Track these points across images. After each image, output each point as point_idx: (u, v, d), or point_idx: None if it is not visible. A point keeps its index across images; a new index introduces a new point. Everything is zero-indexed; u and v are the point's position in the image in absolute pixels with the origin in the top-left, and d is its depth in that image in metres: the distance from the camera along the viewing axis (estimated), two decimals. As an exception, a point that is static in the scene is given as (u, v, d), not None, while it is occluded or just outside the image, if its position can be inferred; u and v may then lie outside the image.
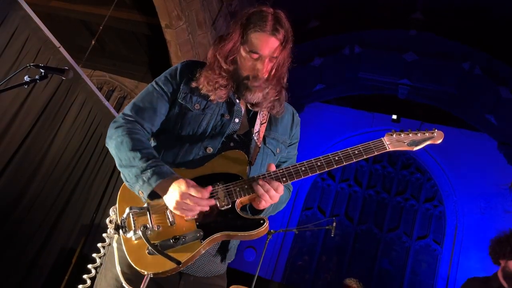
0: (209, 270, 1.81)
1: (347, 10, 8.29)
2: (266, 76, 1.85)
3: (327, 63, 8.95)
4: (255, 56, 1.81)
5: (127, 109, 1.87)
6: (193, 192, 1.59)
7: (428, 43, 8.34)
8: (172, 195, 1.59)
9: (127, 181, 1.71)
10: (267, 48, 1.80)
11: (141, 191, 1.65)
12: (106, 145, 1.81)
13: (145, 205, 1.69)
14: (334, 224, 5.41)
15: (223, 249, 1.84)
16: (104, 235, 1.76)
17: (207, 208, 1.63)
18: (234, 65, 1.86)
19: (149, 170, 1.64)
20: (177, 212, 1.63)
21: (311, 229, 9.33)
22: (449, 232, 9.53)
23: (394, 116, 10.47)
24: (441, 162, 10.06)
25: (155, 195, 1.65)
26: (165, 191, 1.62)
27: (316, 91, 9.58)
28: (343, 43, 8.78)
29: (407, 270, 9.59)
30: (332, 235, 5.57)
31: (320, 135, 10.47)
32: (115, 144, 1.74)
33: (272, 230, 5.46)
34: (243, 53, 1.83)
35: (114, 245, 1.72)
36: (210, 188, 1.66)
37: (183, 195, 1.58)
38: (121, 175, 1.75)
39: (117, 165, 1.75)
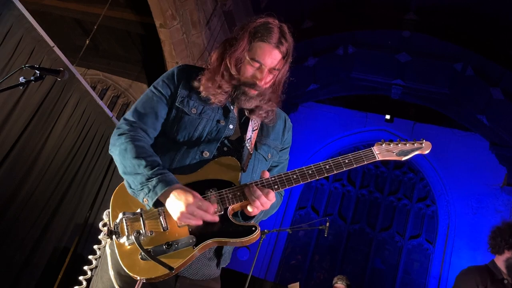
0: (205, 273, 1.83)
1: (341, 10, 8.32)
2: (264, 86, 1.89)
3: (321, 63, 8.99)
4: (257, 65, 1.85)
5: (129, 115, 1.89)
6: (200, 206, 1.62)
7: (421, 44, 8.39)
8: (178, 205, 1.61)
9: (131, 188, 1.71)
10: (270, 59, 1.85)
11: (146, 199, 1.66)
12: (110, 152, 1.82)
13: (138, 210, 1.70)
14: (327, 223, 5.44)
15: (218, 253, 1.87)
16: (100, 237, 1.77)
17: (210, 220, 1.66)
18: (239, 72, 1.89)
19: (154, 178, 1.65)
20: (180, 222, 1.66)
21: (304, 228, 9.38)
22: (441, 231, 9.61)
23: (388, 116, 10.52)
24: (434, 162, 10.13)
25: (159, 204, 1.67)
26: (170, 199, 1.63)
27: (310, 91, 9.62)
28: (337, 43, 8.81)
29: (399, 269, 9.65)
30: (325, 235, 5.60)
31: (313, 135, 10.51)
32: (119, 151, 1.76)
33: (265, 230, 5.49)
34: (247, 60, 1.86)
35: (108, 250, 1.74)
36: (215, 205, 1.69)
37: (190, 207, 1.60)
38: (125, 182, 1.76)
39: (120, 172, 1.76)
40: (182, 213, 1.61)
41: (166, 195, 1.64)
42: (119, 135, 1.80)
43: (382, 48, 8.67)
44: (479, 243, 8.74)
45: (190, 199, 1.61)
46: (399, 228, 10.14)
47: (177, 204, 1.61)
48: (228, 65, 1.88)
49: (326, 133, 10.78)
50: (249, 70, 1.87)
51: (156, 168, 1.68)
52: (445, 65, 8.39)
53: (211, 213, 1.64)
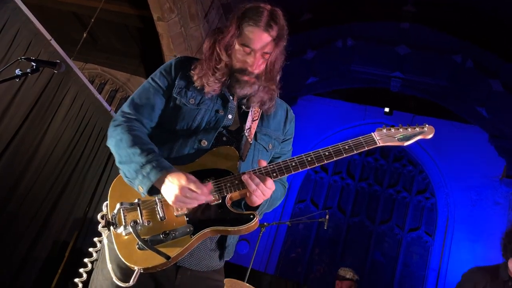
0: (207, 265, 1.82)
1: (340, 3, 8.28)
2: (256, 71, 1.86)
3: (320, 56, 8.95)
4: (247, 50, 1.83)
5: (125, 107, 1.88)
6: (193, 187, 1.60)
7: (421, 36, 8.37)
8: (172, 188, 1.60)
9: (127, 177, 1.71)
10: (259, 43, 1.82)
11: (141, 186, 1.65)
12: (107, 144, 1.82)
13: (136, 200, 1.69)
14: (327, 216, 5.44)
15: (221, 245, 1.85)
16: (99, 228, 1.77)
17: (204, 202, 1.64)
18: (230, 58, 1.87)
19: (148, 165, 1.64)
20: (175, 206, 1.64)
21: (304, 221, 9.40)
22: (440, 224, 9.62)
23: (387, 109, 10.51)
24: (433, 155, 10.13)
25: (153, 190, 1.66)
26: (164, 184, 1.62)
27: (309, 84, 9.58)
28: (336, 35, 8.78)
29: (399, 261, 9.67)
30: (325, 228, 5.60)
31: (312, 128, 10.49)
32: (115, 142, 1.76)
33: (265, 223, 5.49)
34: (236, 46, 1.84)
35: (105, 241, 1.73)
36: (210, 184, 1.67)
37: (183, 190, 1.59)
38: (120, 171, 1.75)
39: (116, 162, 1.75)
40: (176, 196, 1.59)
41: (160, 181, 1.63)
42: (115, 126, 1.80)
43: (381, 40, 8.64)
44: (479, 235, 8.77)
45: (183, 181, 1.59)
46: (398, 220, 10.15)
47: (170, 188, 1.60)
48: (219, 52, 1.86)
49: (325, 126, 10.77)
50: (240, 56, 1.85)
51: (150, 156, 1.67)
52: (444, 57, 8.37)
53: (204, 193, 1.62)
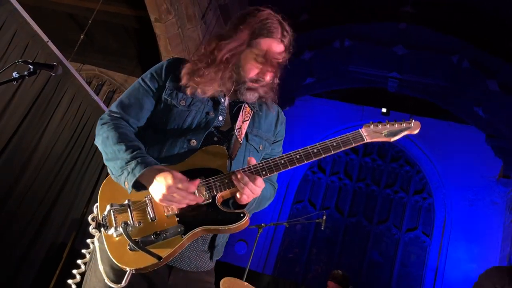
0: (197, 265, 1.83)
1: (338, 3, 8.30)
2: (269, 79, 1.91)
3: (317, 57, 8.97)
4: (263, 61, 1.87)
5: (113, 106, 1.90)
6: (180, 185, 1.61)
7: (418, 37, 8.38)
8: (159, 187, 1.61)
9: (113, 174, 1.73)
10: (276, 54, 1.88)
11: (126, 182, 1.66)
12: (95, 143, 1.84)
13: (126, 202, 1.70)
14: (324, 217, 5.44)
15: (211, 245, 1.86)
16: (90, 230, 1.78)
17: (193, 202, 1.65)
18: (229, 64, 1.89)
19: (133, 161, 1.66)
20: (163, 204, 1.65)
21: (301, 222, 9.40)
22: (438, 224, 9.65)
23: (384, 109, 10.53)
24: (430, 155, 10.16)
25: (140, 187, 1.67)
26: (150, 182, 1.63)
27: (306, 85, 9.60)
28: (334, 36, 8.79)
29: (396, 261, 9.69)
30: (322, 228, 5.60)
31: (310, 129, 10.51)
32: (101, 139, 1.78)
33: (263, 224, 5.50)
34: (251, 56, 1.88)
35: (96, 243, 1.74)
36: (197, 181, 1.67)
37: (170, 188, 1.60)
38: (108, 169, 1.77)
39: (104, 160, 1.77)
40: (163, 195, 1.60)
41: (145, 176, 1.64)
42: (101, 124, 1.82)
43: (380, 41, 8.65)
44: (476, 235, 8.80)
45: (170, 180, 1.60)
46: (396, 220, 10.18)
47: (158, 186, 1.61)
48: (217, 55, 1.88)
49: (323, 126, 10.79)
50: (254, 66, 1.88)
51: (135, 152, 1.69)
52: (441, 57, 8.39)
53: (192, 191, 1.63)
